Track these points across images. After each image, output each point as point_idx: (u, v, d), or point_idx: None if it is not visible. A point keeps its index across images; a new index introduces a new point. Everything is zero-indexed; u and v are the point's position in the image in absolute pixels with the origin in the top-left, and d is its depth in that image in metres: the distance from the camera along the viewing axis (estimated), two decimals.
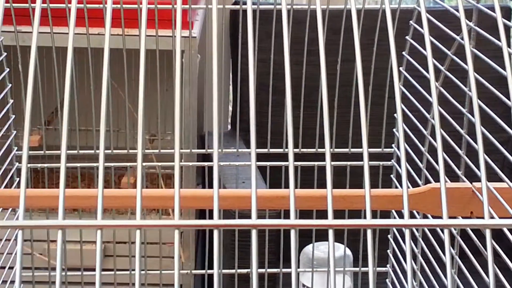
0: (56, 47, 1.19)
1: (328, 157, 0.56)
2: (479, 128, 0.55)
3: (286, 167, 1.27)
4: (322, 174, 1.30)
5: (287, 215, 1.13)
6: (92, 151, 1.26)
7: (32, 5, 1.10)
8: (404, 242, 1.16)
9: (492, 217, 0.85)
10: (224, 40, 2.10)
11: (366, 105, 1.22)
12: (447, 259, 0.52)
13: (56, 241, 1.32)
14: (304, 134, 1.33)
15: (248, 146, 1.35)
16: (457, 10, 0.68)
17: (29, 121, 0.59)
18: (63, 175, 0.57)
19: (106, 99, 0.60)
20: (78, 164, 1.27)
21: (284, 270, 1.39)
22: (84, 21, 1.17)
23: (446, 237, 0.53)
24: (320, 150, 1.33)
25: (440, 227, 0.50)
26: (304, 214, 1.03)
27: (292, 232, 0.55)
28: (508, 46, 2.07)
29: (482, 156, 0.55)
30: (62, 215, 0.55)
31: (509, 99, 0.62)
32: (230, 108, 2.26)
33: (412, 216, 1.07)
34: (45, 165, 1.28)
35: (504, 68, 0.61)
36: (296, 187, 1.24)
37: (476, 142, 0.59)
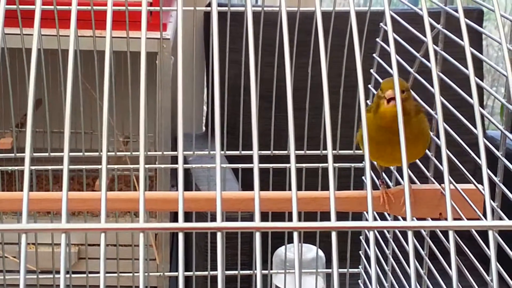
0: (26, 48, 1.18)
1: (292, 158, 0.56)
2: (442, 129, 0.56)
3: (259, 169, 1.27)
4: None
5: (265, 217, 1.13)
6: (63, 154, 1.25)
7: (0, 6, 1.09)
8: (376, 243, 1.16)
9: (458, 218, 0.86)
10: (199, 41, 2.10)
11: (337, 108, 1.22)
12: (410, 261, 0.52)
13: (29, 244, 1.31)
14: (277, 136, 1.33)
15: (222, 147, 1.35)
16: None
17: None
18: (27, 178, 0.57)
19: (72, 99, 0.60)
20: (50, 167, 1.26)
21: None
22: (57, 22, 1.17)
23: (409, 239, 0.54)
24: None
25: (402, 229, 0.50)
26: (278, 215, 1.03)
27: (257, 235, 0.55)
28: (480, 47, 2.07)
29: (445, 157, 0.56)
30: (25, 218, 0.55)
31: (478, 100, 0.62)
32: (205, 109, 2.26)
33: (384, 217, 1.07)
34: (16, 168, 1.27)
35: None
36: (267, 189, 1.24)
37: (446, 144, 0.59)
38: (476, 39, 1.91)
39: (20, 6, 1.13)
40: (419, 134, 0.90)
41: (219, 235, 0.56)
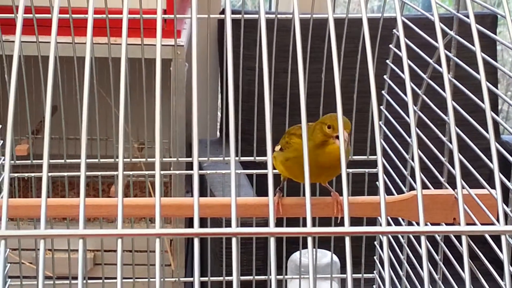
0: (42, 56, 1.19)
1: (306, 165, 0.57)
2: (454, 134, 0.56)
3: (273, 175, 1.27)
4: None
5: (279, 222, 1.14)
6: (79, 160, 1.26)
7: (18, 14, 1.10)
8: (391, 248, 1.17)
9: (472, 223, 0.86)
10: (213, 48, 2.11)
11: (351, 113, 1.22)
12: (424, 266, 0.53)
13: (46, 249, 1.31)
14: None
15: (237, 153, 1.35)
16: (439, 18, 0.68)
17: (11, 131, 0.60)
18: (44, 185, 0.58)
19: (88, 106, 0.61)
20: (65, 174, 1.27)
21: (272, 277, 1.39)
22: (73, 30, 1.18)
23: (423, 244, 0.54)
24: None
25: (415, 234, 0.51)
26: (293, 220, 1.04)
27: (272, 240, 0.56)
28: (495, 52, 2.06)
29: (457, 161, 0.56)
30: (44, 224, 0.56)
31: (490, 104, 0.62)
32: (219, 114, 2.27)
33: (397, 222, 1.08)
34: (32, 174, 1.28)
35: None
36: (282, 194, 1.24)
37: (460, 149, 0.59)
38: (490, 44, 1.91)
39: (36, 15, 1.14)
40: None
41: (234, 240, 0.56)
